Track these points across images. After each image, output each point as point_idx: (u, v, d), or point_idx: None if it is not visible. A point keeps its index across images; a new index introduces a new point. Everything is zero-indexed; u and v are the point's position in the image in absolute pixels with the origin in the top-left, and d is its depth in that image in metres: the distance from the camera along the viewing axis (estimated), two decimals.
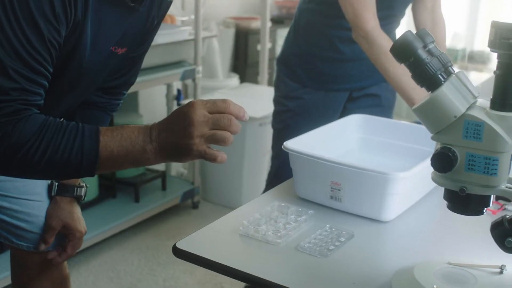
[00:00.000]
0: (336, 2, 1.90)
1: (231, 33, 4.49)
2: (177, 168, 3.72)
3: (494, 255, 1.11)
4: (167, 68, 3.07)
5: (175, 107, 3.47)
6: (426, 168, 1.32)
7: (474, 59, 4.65)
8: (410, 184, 1.36)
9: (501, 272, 1.11)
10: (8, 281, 2.18)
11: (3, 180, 1.42)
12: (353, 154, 1.66)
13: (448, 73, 1.01)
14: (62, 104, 1.30)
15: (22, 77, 1.03)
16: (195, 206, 3.46)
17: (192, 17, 3.39)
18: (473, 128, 0.99)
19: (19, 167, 1.08)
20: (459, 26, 4.71)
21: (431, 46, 1.02)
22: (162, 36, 2.86)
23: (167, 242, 3.06)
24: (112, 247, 2.99)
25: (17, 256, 1.58)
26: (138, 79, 1.53)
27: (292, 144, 1.45)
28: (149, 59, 1.53)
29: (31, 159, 1.05)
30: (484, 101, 1.02)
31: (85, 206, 2.87)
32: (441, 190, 1.07)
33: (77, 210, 1.55)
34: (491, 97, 1.00)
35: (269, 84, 4.12)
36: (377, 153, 1.66)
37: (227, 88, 3.97)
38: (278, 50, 4.37)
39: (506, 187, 1.02)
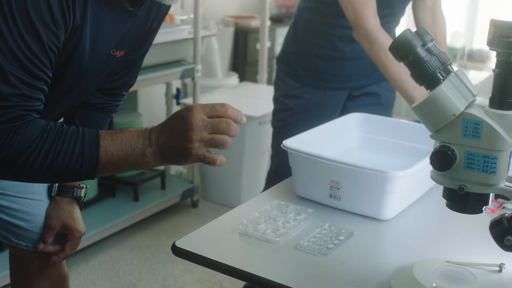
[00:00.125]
0: (335, 1, 1.90)
1: (230, 32, 4.49)
2: (176, 167, 3.72)
3: (493, 253, 1.11)
4: (166, 67, 3.07)
5: (174, 106, 3.47)
6: (425, 166, 1.32)
7: (473, 58, 4.65)
8: (409, 183, 1.36)
9: (500, 271, 1.11)
10: (7, 280, 2.18)
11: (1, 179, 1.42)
12: (352, 153, 1.66)
13: (447, 72, 1.01)
14: (61, 106, 1.30)
15: (22, 82, 1.03)
16: (194, 205, 3.46)
17: (192, 16, 3.39)
18: (472, 127, 0.99)
19: (19, 173, 1.08)
20: (459, 24, 4.71)
21: (430, 44, 1.02)
22: (161, 35, 2.84)
23: (166, 241, 3.06)
24: (112, 246, 2.99)
25: (16, 255, 1.58)
26: (137, 78, 1.53)
27: (291, 142, 1.45)
28: (148, 58, 1.53)
29: (32, 166, 1.06)
30: (483, 100, 1.02)
31: (84, 205, 2.87)
32: (440, 188, 1.07)
33: (77, 210, 1.55)
34: (490, 95, 1.00)
35: (268, 83, 4.12)
36: (376, 152, 1.66)
37: (226, 87, 3.97)
38: (278, 49, 4.37)
39: (505, 186, 1.02)
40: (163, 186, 3.33)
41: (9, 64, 1.01)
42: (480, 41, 4.69)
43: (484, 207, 1.05)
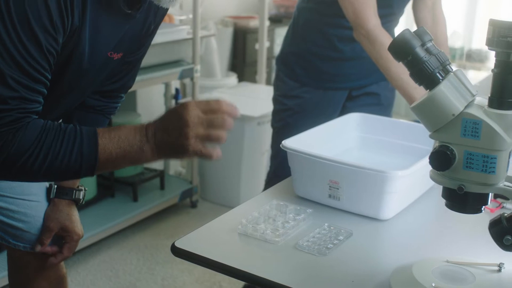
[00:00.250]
0: (335, 1, 1.90)
1: (229, 32, 4.49)
2: (175, 167, 3.72)
3: (492, 253, 1.11)
4: (165, 67, 3.07)
5: (173, 106, 3.46)
6: (424, 166, 1.32)
7: (472, 58, 4.65)
8: (409, 183, 1.36)
9: (499, 270, 1.11)
10: (5, 282, 2.17)
11: None
12: (352, 153, 1.66)
13: (446, 72, 1.01)
14: (60, 107, 1.30)
15: (21, 85, 1.03)
16: (193, 205, 3.46)
17: (190, 16, 3.39)
18: (471, 126, 0.99)
19: (19, 175, 1.09)
20: (457, 24, 4.71)
21: (429, 44, 1.02)
22: (160, 35, 2.85)
23: (165, 241, 3.06)
24: (111, 247, 2.99)
25: (14, 256, 1.58)
26: (136, 78, 1.53)
27: (291, 142, 1.45)
28: (147, 58, 1.53)
29: (31, 167, 1.06)
30: (482, 99, 1.02)
31: (83, 206, 2.86)
32: (439, 188, 1.07)
33: (75, 212, 1.55)
34: (489, 95, 1.00)
35: (267, 83, 4.12)
36: (376, 152, 1.66)
37: (225, 87, 3.97)
38: (276, 49, 4.38)
39: (504, 185, 1.02)
40: (162, 187, 3.33)
41: (8, 67, 1.01)
42: (479, 41, 4.69)
43: (483, 207, 1.05)
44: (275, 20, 4.73)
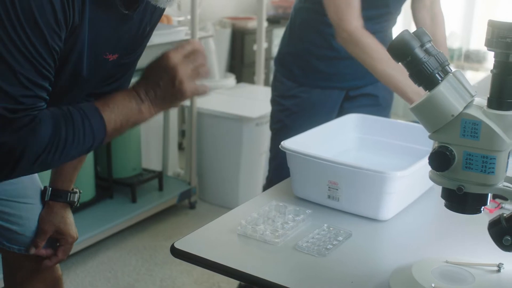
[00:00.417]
0: None
1: (227, 33, 4.49)
2: (174, 168, 3.72)
3: (492, 253, 1.11)
4: None
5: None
6: (423, 167, 1.32)
7: (470, 58, 4.66)
8: (408, 183, 1.36)
9: (498, 271, 1.11)
10: (1, 284, 2.17)
11: None
12: (350, 154, 1.67)
13: (445, 72, 1.01)
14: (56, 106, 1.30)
15: (34, 84, 1.04)
16: (192, 206, 3.46)
17: (188, 17, 3.39)
18: (470, 127, 0.99)
19: (38, 169, 1.12)
20: (455, 25, 4.72)
21: (428, 45, 1.02)
22: (158, 36, 2.85)
23: (164, 242, 3.06)
24: (109, 248, 2.99)
25: (8, 259, 1.57)
26: (134, 79, 1.53)
27: (290, 143, 1.45)
28: (145, 60, 1.53)
29: (52, 160, 1.09)
30: (481, 100, 1.02)
31: (82, 207, 2.87)
32: (439, 189, 1.07)
33: (70, 215, 1.55)
34: (488, 96, 1.00)
35: (266, 84, 4.12)
36: (375, 153, 1.67)
37: (223, 88, 3.96)
38: (275, 50, 4.37)
39: (504, 186, 1.02)
40: (160, 188, 3.33)
41: (19, 66, 1.01)
42: (477, 42, 4.70)
43: (483, 207, 1.06)
44: (273, 21, 4.73)
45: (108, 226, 2.92)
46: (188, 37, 3.19)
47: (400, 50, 1.02)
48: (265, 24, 3.97)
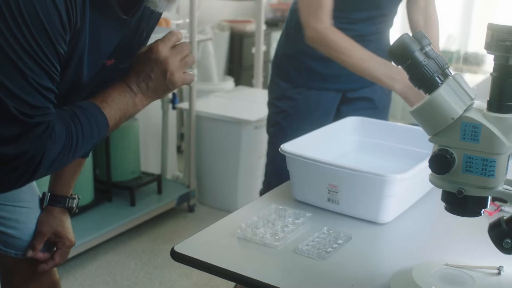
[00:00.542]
0: None
1: (226, 36, 4.49)
2: (172, 171, 3.72)
3: (492, 256, 1.11)
4: None
5: (170, 110, 3.47)
6: (423, 170, 1.32)
7: (469, 61, 4.66)
8: (407, 186, 1.36)
9: (499, 273, 1.11)
10: None
11: None
12: (350, 157, 1.67)
13: (445, 75, 1.02)
14: None
15: (45, 88, 1.04)
16: (191, 209, 3.46)
17: (187, 20, 3.39)
18: (470, 130, 0.99)
19: (52, 171, 1.14)
20: (453, 28, 4.72)
21: (428, 48, 1.03)
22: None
23: (163, 246, 3.05)
24: (108, 251, 2.98)
25: (5, 263, 1.56)
26: None
27: (289, 146, 1.45)
28: None
29: (66, 160, 1.12)
30: (481, 103, 1.02)
31: (80, 211, 2.87)
32: (438, 191, 1.07)
33: (68, 220, 1.56)
34: (488, 98, 1.00)
35: (264, 87, 4.12)
36: (374, 155, 1.67)
37: (222, 91, 3.96)
38: (273, 53, 4.37)
39: (504, 189, 1.02)
40: (159, 191, 3.33)
41: (32, 72, 1.01)
42: (475, 44, 4.70)
43: (483, 210, 1.06)
44: (272, 24, 4.73)
45: (107, 229, 2.92)
46: (186, 40, 3.20)
47: (400, 54, 1.02)
48: (263, 27, 3.97)
